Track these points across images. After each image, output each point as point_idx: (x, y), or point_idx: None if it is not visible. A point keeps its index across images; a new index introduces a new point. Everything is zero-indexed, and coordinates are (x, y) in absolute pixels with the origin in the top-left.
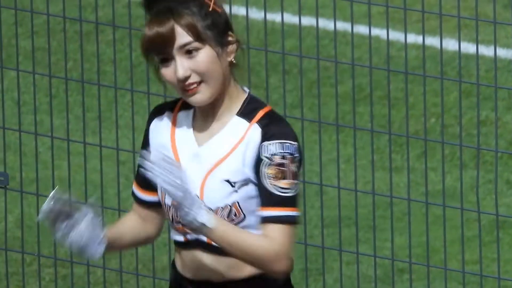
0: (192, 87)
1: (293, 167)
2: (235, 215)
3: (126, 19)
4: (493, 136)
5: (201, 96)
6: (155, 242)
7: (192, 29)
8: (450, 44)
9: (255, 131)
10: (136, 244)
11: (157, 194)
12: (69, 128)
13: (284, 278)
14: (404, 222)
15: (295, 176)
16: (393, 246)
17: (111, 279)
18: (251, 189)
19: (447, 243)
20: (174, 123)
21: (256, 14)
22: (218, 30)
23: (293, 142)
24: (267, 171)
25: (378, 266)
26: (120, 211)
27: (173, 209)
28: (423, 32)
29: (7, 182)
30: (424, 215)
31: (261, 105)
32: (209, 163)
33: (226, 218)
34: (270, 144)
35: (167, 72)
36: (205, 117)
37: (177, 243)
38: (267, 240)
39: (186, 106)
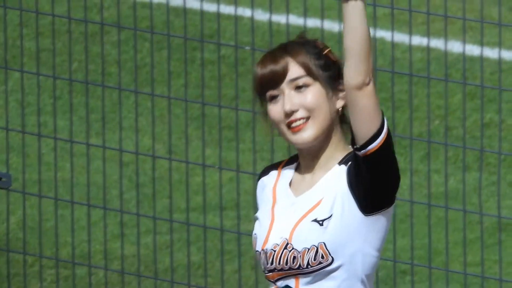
0: (299, 123)
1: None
2: (322, 257)
3: (131, 20)
4: (497, 139)
5: (307, 134)
6: (157, 243)
7: (304, 65)
8: (455, 46)
9: (342, 171)
10: None
11: None
12: (73, 129)
13: None
14: (406, 224)
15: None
16: (396, 248)
17: (112, 280)
18: (338, 226)
19: (450, 245)
20: (278, 178)
21: (261, 15)
22: (330, 73)
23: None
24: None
25: (380, 267)
26: (123, 212)
27: (264, 255)
28: (428, 34)
29: (10, 183)
30: (427, 217)
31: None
32: (304, 209)
33: (313, 261)
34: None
35: (274, 108)
36: (307, 168)
37: None
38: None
39: (289, 162)
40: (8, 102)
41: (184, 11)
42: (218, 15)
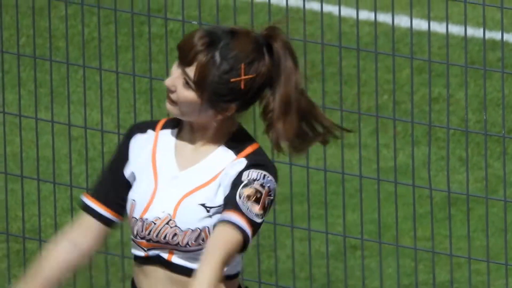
0: (169, 100)
1: (267, 200)
2: (203, 240)
3: None
4: (445, 113)
5: (171, 109)
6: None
7: (200, 77)
8: (403, 21)
9: (241, 163)
10: (70, 271)
11: (117, 214)
12: (22, 103)
13: None
14: (356, 199)
15: (265, 209)
16: (345, 223)
17: None
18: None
19: (399, 219)
20: (156, 143)
21: None
22: (223, 97)
23: (275, 181)
24: (243, 191)
25: (330, 242)
26: (72, 187)
27: (141, 223)
28: (375, 9)
29: None
30: (376, 191)
31: (250, 141)
32: (188, 187)
33: (193, 242)
34: (254, 171)
35: (173, 67)
36: (189, 142)
37: (137, 258)
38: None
39: (169, 125)
40: None
41: None
42: None
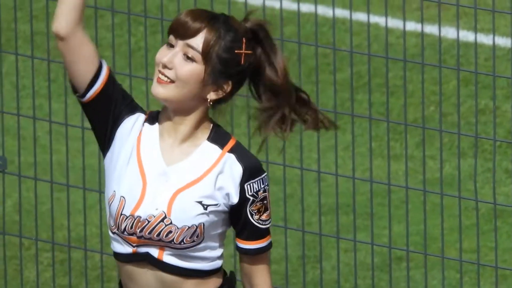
0: (164, 78)
1: (269, 197)
2: (197, 236)
3: (125, 4)
4: (492, 125)
5: (161, 91)
6: None
7: (207, 44)
8: (450, 32)
9: (234, 166)
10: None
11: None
12: (68, 112)
13: None
14: (402, 210)
15: (270, 205)
16: (391, 234)
17: (108, 264)
18: (219, 213)
19: (445, 231)
20: (140, 136)
21: (255, 0)
22: (224, 69)
23: (264, 170)
24: (252, 208)
25: (375, 254)
26: None
27: (131, 220)
28: (421, 20)
29: (5, 166)
30: (422, 203)
31: (228, 134)
32: (179, 182)
33: (188, 239)
34: (253, 182)
35: (161, 51)
36: (172, 136)
37: (122, 256)
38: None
39: (151, 120)
40: (3, 85)
41: None
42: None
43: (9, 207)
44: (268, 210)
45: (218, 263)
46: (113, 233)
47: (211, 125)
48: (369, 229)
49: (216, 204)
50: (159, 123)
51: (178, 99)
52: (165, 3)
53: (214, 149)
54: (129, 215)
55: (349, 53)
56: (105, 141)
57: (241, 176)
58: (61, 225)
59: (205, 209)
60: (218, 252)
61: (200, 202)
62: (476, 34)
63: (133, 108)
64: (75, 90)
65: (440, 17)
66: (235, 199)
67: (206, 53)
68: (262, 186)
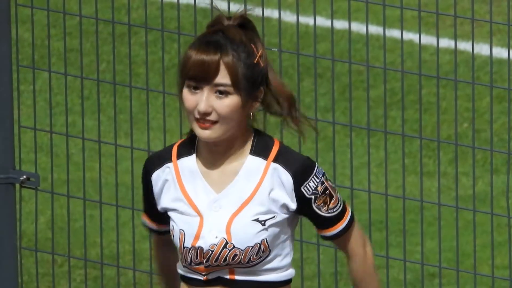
0: (206, 123)
1: (329, 183)
2: (263, 251)
3: (159, 21)
4: None
5: (210, 133)
6: None
7: (232, 73)
8: (483, 49)
9: (283, 175)
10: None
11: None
12: (101, 129)
13: None
14: (434, 227)
15: (334, 188)
16: (424, 251)
17: (142, 280)
18: (278, 224)
19: (478, 248)
20: (178, 174)
21: (289, 17)
22: (254, 83)
23: (314, 164)
24: (317, 203)
25: (408, 270)
26: None
27: (194, 251)
28: (455, 37)
29: (38, 184)
30: (455, 219)
31: (270, 140)
32: (233, 207)
33: (254, 256)
34: (308, 183)
35: (190, 98)
36: (213, 163)
37: (193, 282)
38: (358, 259)
39: (183, 152)
40: (36, 102)
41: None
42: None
43: (42, 224)
44: (333, 197)
45: (290, 273)
46: (184, 266)
47: (252, 135)
48: (402, 245)
49: (273, 217)
50: (196, 152)
51: (227, 133)
52: (198, 20)
53: (259, 162)
54: (191, 247)
55: (383, 70)
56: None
57: (292, 184)
58: (94, 242)
59: (263, 224)
60: (288, 258)
61: (257, 220)
62: (509, 51)
63: (151, 169)
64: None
65: (474, 34)
66: (293, 205)
67: (236, 82)
68: (318, 181)
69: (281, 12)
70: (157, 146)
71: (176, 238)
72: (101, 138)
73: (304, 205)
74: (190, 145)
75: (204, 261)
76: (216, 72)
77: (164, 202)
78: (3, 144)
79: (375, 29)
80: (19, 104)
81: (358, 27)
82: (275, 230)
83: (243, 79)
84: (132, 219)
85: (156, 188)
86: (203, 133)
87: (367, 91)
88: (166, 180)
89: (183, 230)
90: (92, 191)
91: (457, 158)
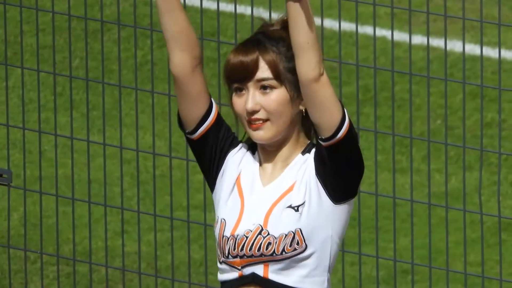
0: (257, 122)
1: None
2: (298, 243)
3: (132, 17)
4: (498, 138)
5: (263, 134)
6: (158, 241)
7: (273, 67)
8: (457, 46)
9: (310, 158)
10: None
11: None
12: (74, 126)
13: None
14: (407, 224)
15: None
16: (397, 247)
17: (114, 277)
18: (311, 214)
19: (451, 244)
20: (241, 162)
21: (262, 13)
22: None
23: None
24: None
25: (381, 267)
26: (124, 209)
27: (232, 241)
28: (428, 34)
29: (11, 180)
30: (428, 216)
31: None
32: (274, 196)
33: (289, 247)
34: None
35: (238, 101)
36: (273, 162)
37: (229, 282)
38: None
39: (252, 149)
40: (9, 98)
41: (184, 9)
42: (218, 13)
43: (15, 220)
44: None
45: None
46: (221, 262)
47: (308, 141)
48: (375, 242)
49: (304, 203)
50: (259, 153)
51: (281, 131)
52: None
53: (307, 158)
54: (230, 236)
55: (356, 67)
56: (212, 175)
57: (313, 160)
58: (67, 239)
59: (297, 210)
60: (327, 272)
61: (290, 206)
62: (482, 47)
63: (235, 141)
64: (182, 126)
65: (447, 30)
66: (312, 172)
67: (278, 74)
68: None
69: (253, 9)
70: (130, 142)
71: (217, 229)
72: (74, 134)
73: (320, 160)
74: (254, 145)
75: (240, 250)
76: (255, 68)
77: (226, 173)
78: None
79: (348, 26)
80: None
81: (331, 24)
82: (310, 218)
83: (285, 71)
84: (105, 215)
85: (234, 150)
86: (257, 134)
87: (339, 87)
88: (241, 158)
89: (224, 220)
90: (65, 187)
91: (430, 154)
